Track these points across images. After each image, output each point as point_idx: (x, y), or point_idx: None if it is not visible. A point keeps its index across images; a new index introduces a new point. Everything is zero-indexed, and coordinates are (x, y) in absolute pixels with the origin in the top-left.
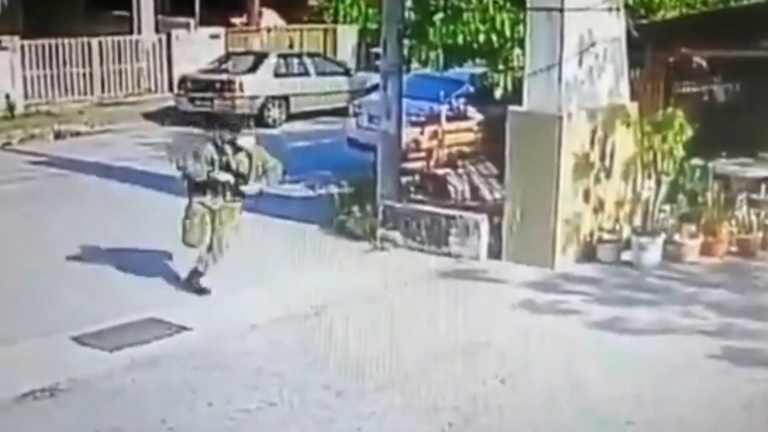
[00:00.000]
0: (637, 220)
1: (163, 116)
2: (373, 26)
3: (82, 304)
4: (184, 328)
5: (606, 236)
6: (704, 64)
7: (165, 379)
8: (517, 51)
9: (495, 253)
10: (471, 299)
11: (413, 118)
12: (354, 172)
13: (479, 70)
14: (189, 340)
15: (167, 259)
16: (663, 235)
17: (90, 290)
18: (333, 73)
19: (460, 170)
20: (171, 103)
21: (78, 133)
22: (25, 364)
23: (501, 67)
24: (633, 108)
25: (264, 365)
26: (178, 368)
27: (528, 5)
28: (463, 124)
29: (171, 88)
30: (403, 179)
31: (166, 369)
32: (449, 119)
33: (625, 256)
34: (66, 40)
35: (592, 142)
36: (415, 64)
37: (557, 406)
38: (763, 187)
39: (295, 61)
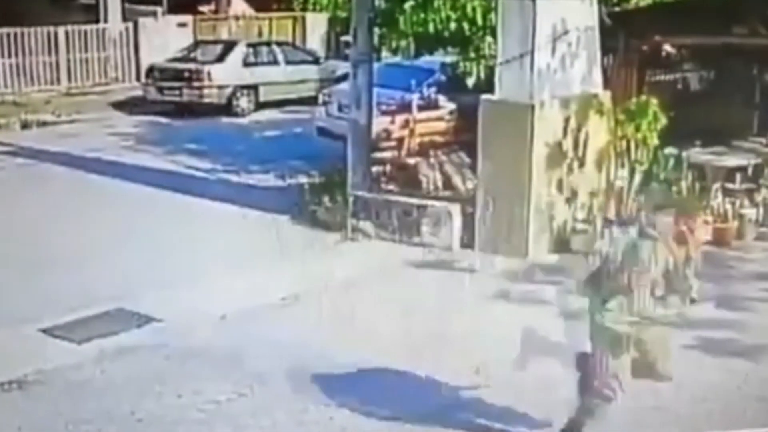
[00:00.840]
0: (611, 210)
1: (130, 106)
2: (342, 14)
3: (51, 295)
4: (153, 319)
5: (579, 226)
6: (674, 51)
7: (134, 370)
8: (489, 39)
9: (468, 243)
10: (443, 289)
11: (384, 107)
12: (324, 161)
13: (450, 59)
14: (158, 331)
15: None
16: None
17: (59, 281)
18: (302, 62)
19: (432, 159)
20: (139, 92)
21: (45, 123)
22: None
23: (473, 55)
24: (606, 96)
25: (234, 356)
26: (148, 359)
27: None
28: (434, 113)
29: (138, 78)
30: (374, 169)
31: (135, 360)
32: (420, 108)
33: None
34: (32, 29)
35: (565, 131)
36: (385, 53)
37: (532, 396)
38: (738, 176)
39: (264, 49)
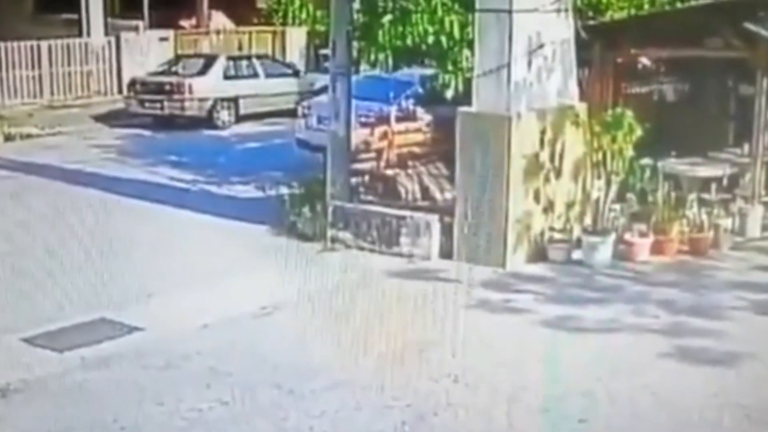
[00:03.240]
0: (588, 220)
1: (112, 118)
2: (321, 28)
3: (34, 304)
4: (135, 329)
5: (557, 236)
6: (650, 63)
7: (116, 379)
8: (466, 52)
9: (446, 253)
10: (422, 299)
11: (363, 119)
12: (304, 173)
13: (429, 72)
14: (140, 340)
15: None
16: (613, 235)
17: (42, 291)
18: (282, 75)
19: (410, 171)
20: (121, 105)
21: (28, 136)
22: None
23: (450, 68)
24: (582, 108)
25: (215, 365)
26: (130, 368)
27: (477, 7)
28: (412, 125)
29: (120, 91)
30: (353, 180)
31: (118, 369)
32: (399, 120)
33: (576, 255)
34: (14, 43)
35: (542, 143)
36: (364, 66)
37: (510, 404)
38: (713, 186)
39: (244, 63)
